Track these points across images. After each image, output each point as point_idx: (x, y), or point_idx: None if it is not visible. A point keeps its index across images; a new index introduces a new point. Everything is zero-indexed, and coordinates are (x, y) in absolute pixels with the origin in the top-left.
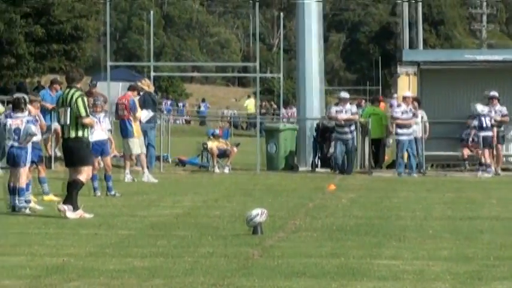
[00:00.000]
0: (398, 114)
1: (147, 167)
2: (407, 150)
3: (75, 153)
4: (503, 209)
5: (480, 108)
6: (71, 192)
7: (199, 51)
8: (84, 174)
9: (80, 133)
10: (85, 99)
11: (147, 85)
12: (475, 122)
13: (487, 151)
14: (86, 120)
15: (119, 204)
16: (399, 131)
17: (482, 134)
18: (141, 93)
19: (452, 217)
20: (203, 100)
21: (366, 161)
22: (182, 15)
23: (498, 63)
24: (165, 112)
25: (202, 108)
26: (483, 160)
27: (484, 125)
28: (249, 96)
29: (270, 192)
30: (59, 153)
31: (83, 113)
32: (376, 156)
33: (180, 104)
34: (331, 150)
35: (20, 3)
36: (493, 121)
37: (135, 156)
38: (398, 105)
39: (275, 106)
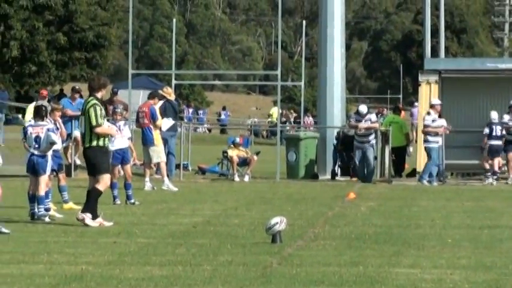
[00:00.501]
0: (429, 122)
1: (167, 175)
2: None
3: (91, 161)
4: None
5: (493, 115)
6: (89, 200)
7: (221, 59)
8: (102, 182)
9: (94, 142)
10: (98, 108)
11: (168, 93)
12: (486, 130)
13: (496, 160)
14: (97, 130)
15: (138, 212)
16: (430, 138)
17: (491, 142)
18: (163, 101)
19: (472, 226)
20: (224, 108)
21: (386, 169)
22: (204, 23)
23: None
24: (185, 120)
25: (222, 117)
26: (488, 167)
27: (494, 133)
28: (275, 104)
29: (289, 200)
30: (79, 161)
31: (94, 122)
32: (396, 165)
33: (200, 112)
34: (356, 160)
35: (43, 11)
36: (504, 131)
37: (155, 164)
38: (428, 113)
39: (295, 114)
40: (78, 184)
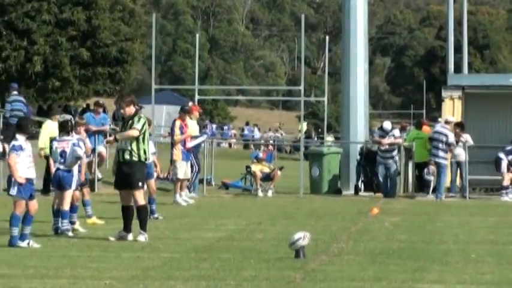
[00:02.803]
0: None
1: (188, 189)
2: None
3: (131, 175)
4: None
5: None
6: (142, 219)
7: (244, 74)
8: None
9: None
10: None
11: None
12: (509, 147)
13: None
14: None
15: (161, 227)
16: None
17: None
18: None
19: (495, 241)
20: (247, 123)
21: (410, 185)
22: (227, 39)
23: None
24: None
25: (246, 132)
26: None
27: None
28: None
29: (312, 215)
30: (101, 176)
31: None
32: (420, 181)
33: (225, 128)
34: (380, 175)
35: (66, 26)
36: None
37: (181, 179)
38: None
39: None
40: (101, 199)
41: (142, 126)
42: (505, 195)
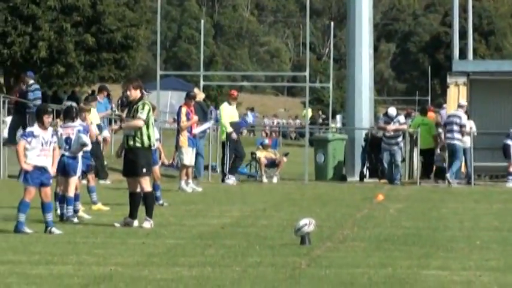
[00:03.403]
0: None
1: (195, 176)
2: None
3: (136, 162)
4: None
5: None
6: (149, 205)
7: (249, 60)
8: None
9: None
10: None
11: (197, 94)
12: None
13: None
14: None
15: (166, 213)
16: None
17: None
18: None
19: (500, 228)
20: (252, 109)
21: (415, 171)
22: (232, 25)
23: None
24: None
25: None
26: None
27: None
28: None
29: (317, 202)
30: (105, 162)
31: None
32: (424, 167)
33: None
34: (384, 161)
35: (71, 12)
36: None
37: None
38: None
39: (323, 116)
40: (106, 185)
41: (147, 114)
42: (510, 182)
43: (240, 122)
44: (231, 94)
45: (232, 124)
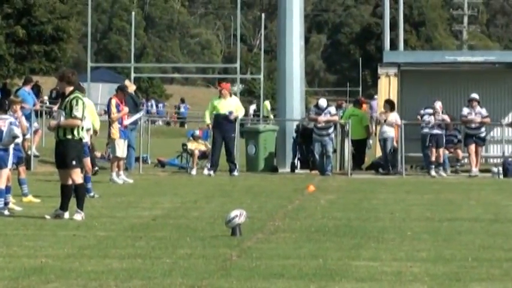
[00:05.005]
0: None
1: (126, 168)
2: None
3: (65, 154)
4: (482, 211)
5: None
6: (80, 197)
7: (180, 52)
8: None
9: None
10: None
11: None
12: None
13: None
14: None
15: (97, 205)
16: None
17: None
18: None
19: (431, 218)
20: (182, 101)
21: (346, 162)
22: (163, 16)
23: (479, 65)
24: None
25: (182, 109)
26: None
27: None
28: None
29: (249, 193)
30: (37, 153)
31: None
32: (356, 158)
33: (160, 105)
34: (316, 153)
35: (1, 4)
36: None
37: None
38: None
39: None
40: (36, 177)
41: (82, 110)
42: (432, 170)
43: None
44: (222, 87)
45: (217, 116)
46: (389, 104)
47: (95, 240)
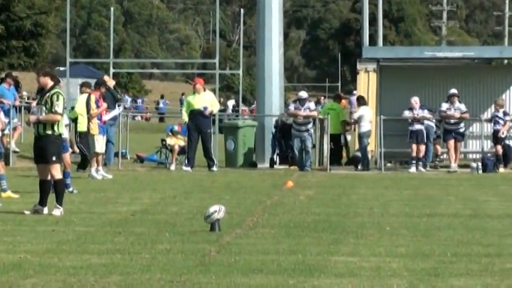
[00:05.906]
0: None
1: (105, 164)
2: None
3: (45, 149)
4: (461, 206)
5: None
6: (59, 192)
7: (159, 47)
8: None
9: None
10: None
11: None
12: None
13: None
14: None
15: (76, 201)
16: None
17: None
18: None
19: (410, 214)
20: (162, 97)
21: (325, 158)
22: (142, 12)
23: (458, 60)
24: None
25: (161, 105)
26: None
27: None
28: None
29: (228, 189)
30: (17, 149)
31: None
32: (333, 153)
33: (139, 101)
34: (295, 148)
35: None
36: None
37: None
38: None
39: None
40: (16, 173)
41: (63, 106)
42: (413, 166)
43: (116, 108)
44: (197, 82)
45: (192, 111)
46: (358, 100)
47: (74, 236)
